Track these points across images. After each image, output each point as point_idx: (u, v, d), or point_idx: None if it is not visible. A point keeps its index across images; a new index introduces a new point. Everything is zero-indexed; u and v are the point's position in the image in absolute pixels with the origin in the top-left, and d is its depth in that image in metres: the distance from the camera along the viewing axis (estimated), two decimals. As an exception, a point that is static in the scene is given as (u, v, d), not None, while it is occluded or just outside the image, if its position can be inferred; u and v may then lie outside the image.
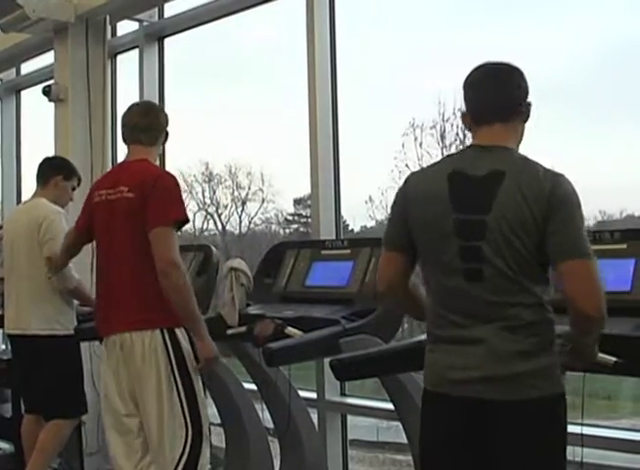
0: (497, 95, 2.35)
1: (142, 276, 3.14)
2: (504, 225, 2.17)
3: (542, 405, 2.21)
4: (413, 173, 2.44)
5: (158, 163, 3.51)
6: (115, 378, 3.21)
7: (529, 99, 2.37)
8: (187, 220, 3.25)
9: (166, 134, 3.46)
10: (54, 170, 4.44)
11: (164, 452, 3.12)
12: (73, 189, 4.49)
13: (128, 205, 3.17)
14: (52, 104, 5.90)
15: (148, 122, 3.37)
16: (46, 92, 5.85)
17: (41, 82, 6.38)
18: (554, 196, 2.17)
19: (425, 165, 2.45)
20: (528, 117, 2.39)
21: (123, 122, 3.43)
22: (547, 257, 2.20)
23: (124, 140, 3.44)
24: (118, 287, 3.20)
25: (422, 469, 2.41)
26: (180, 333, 3.17)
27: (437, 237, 2.28)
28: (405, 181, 2.42)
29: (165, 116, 3.49)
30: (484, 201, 2.20)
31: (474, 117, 2.36)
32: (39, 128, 6.89)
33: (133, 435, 3.21)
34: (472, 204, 2.23)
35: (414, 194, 2.35)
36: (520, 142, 2.39)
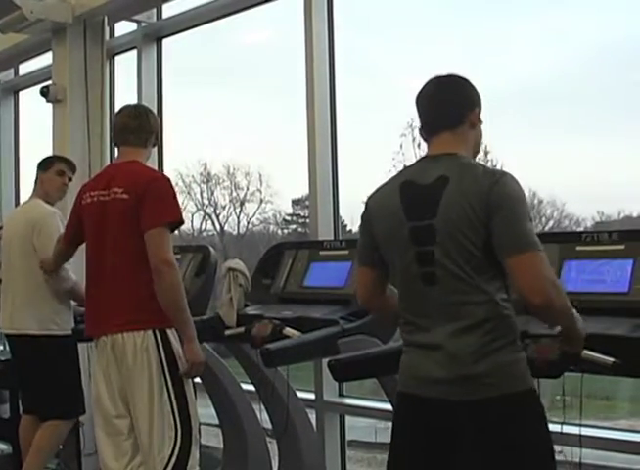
0: (442, 106, 2.43)
1: (134, 277, 3.15)
2: (450, 227, 2.24)
3: (505, 404, 2.21)
4: (373, 192, 2.50)
5: (149, 165, 3.49)
6: (106, 379, 3.21)
7: (478, 109, 2.43)
8: (182, 222, 3.27)
9: (156, 137, 3.47)
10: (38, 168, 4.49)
11: (153, 453, 3.11)
12: (70, 180, 4.47)
13: (123, 206, 3.17)
14: (50, 104, 5.90)
15: (137, 124, 3.38)
16: (44, 93, 5.84)
17: (39, 83, 6.37)
18: (493, 194, 2.21)
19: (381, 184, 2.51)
20: (479, 121, 2.44)
21: (114, 124, 3.46)
22: (495, 257, 2.23)
23: (115, 142, 3.48)
24: (111, 288, 3.20)
25: (389, 463, 2.44)
26: (172, 334, 3.17)
27: (397, 246, 2.35)
28: (367, 200, 2.50)
29: (155, 118, 3.50)
30: (430, 206, 2.27)
31: (424, 129, 2.45)
32: (37, 129, 6.89)
33: (123, 436, 3.20)
34: (421, 211, 2.30)
35: (374, 209, 2.45)
36: (475, 148, 2.46)
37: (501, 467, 2.23)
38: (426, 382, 2.29)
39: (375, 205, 2.45)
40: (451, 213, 2.24)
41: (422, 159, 2.43)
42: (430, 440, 2.30)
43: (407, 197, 2.35)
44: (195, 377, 3.36)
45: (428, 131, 2.43)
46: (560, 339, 2.36)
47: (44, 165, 4.46)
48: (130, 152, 3.36)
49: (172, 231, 3.22)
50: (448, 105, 2.42)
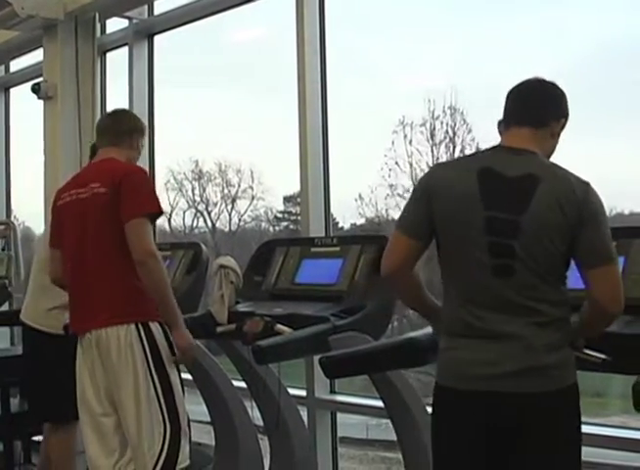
0: (534, 102, 2.44)
1: (115, 271, 3.14)
2: (538, 227, 2.24)
3: (569, 394, 2.30)
4: (439, 165, 2.53)
5: (141, 164, 3.49)
6: (91, 377, 3.19)
7: (564, 121, 2.46)
8: (161, 212, 3.25)
9: (137, 138, 3.45)
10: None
11: (143, 449, 3.09)
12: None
13: (101, 200, 3.16)
14: (41, 101, 5.88)
15: (112, 122, 3.43)
16: (35, 90, 5.83)
17: (30, 80, 6.35)
18: (586, 205, 2.26)
19: (448, 160, 2.48)
20: (558, 134, 2.47)
21: (95, 131, 3.51)
22: (572, 259, 2.30)
23: (97, 148, 3.49)
24: (93, 284, 3.18)
25: (440, 464, 2.42)
26: (155, 327, 3.14)
27: (466, 233, 2.31)
28: (431, 170, 2.48)
29: (133, 118, 3.52)
30: (519, 202, 2.26)
31: (508, 118, 2.44)
32: (29, 126, 6.87)
33: (110, 434, 3.18)
34: (504, 203, 2.28)
35: (441, 187, 2.36)
36: (548, 155, 2.45)
37: (555, 455, 2.29)
38: (489, 377, 2.26)
39: (443, 181, 2.37)
40: (542, 214, 2.24)
41: (498, 147, 2.42)
42: (490, 434, 2.30)
43: (487, 184, 2.31)
44: (188, 363, 3.35)
45: (508, 122, 2.42)
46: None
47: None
48: (106, 151, 3.37)
49: (152, 222, 3.19)
50: (539, 104, 2.43)
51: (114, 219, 3.11)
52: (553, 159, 2.44)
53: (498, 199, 2.29)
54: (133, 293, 3.11)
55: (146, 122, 5.61)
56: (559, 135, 2.47)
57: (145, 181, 3.24)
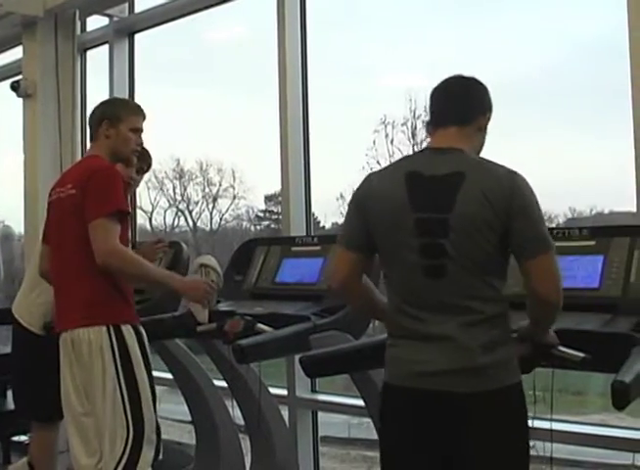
0: (457, 101, 2.45)
1: (86, 272, 3.11)
2: (467, 224, 2.24)
3: (504, 396, 2.27)
4: (371, 174, 2.48)
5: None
6: (71, 376, 3.19)
7: (489, 115, 2.47)
8: (125, 211, 3.15)
9: (106, 127, 3.31)
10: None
11: (106, 450, 3.09)
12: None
13: (71, 201, 3.16)
14: (21, 99, 5.84)
15: (90, 119, 3.39)
16: (14, 87, 5.79)
17: (10, 77, 6.31)
18: (514, 196, 2.24)
19: (381, 168, 2.52)
20: (485, 128, 2.47)
21: None
22: (508, 253, 2.29)
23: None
24: (68, 284, 3.19)
25: (385, 463, 2.44)
26: (127, 330, 3.13)
27: (398, 236, 2.33)
28: (363, 181, 2.47)
29: (103, 106, 3.41)
30: (446, 200, 2.26)
31: (433, 120, 2.46)
32: (8, 124, 6.82)
33: (92, 433, 3.16)
34: (432, 203, 2.29)
35: (373, 195, 2.40)
36: (477, 150, 2.46)
37: (501, 456, 2.28)
38: (427, 374, 2.27)
39: (372, 191, 2.40)
40: (469, 210, 2.24)
41: (425, 150, 2.44)
42: (427, 432, 2.30)
43: (414, 187, 2.32)
44: (206, 298, 3.38)
45: (436, 123, 2.44)
46: (529, 333, 2.39)
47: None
48: (92, 146, 3.36)
49: (120, 221, 3.11)
50: (463, 101, 2.44)
51: (82, 221, 3.09)
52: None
53: (426, 200, 2.30)
54: (105, 294, 3.10)
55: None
56: (485, 129, 2.47)
57: (108, 179, 3.13)
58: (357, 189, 2.47)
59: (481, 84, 2.47)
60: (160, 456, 3.22)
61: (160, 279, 3.22)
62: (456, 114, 2.42)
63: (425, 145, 2.50)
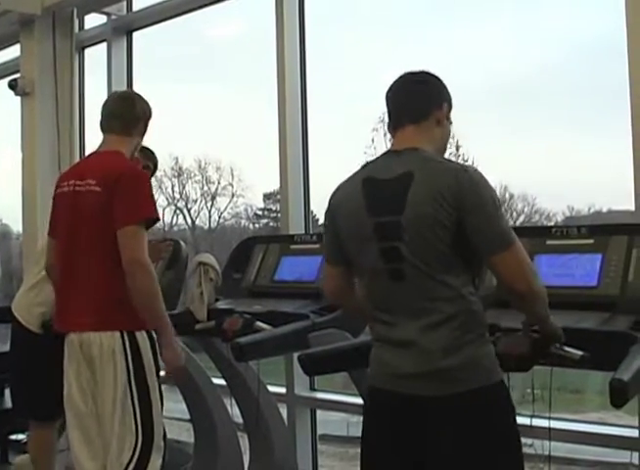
0: (408, 99, 2.42)
1: (106, 276, 3.04)
2: (418, 224, 2.22)
3: (472, 398, 2.22)
4: (339, 185, 2.47)
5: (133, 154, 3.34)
6: (77, 377, 3.12)
7: (447, 106, 2.42)
8: (157, 219, 3.11)
9: (145, 125, 3.30)
10: None
11: (113, 456, 3.04)
12: (147, 168, 4.03)
13: (95, 199, 3.05)
14: (18, 98, 5.84)
15: (122, 110, 3.25)
16: (12, 86, 5.78)
17: (7, 76, 6.30)
18: (466, 192, 2.20)
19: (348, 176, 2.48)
20: (447, 119, 2.43)
21: (101, 111, 3.31)
22: (468, 250, 2.24)
23: (101, 129, 3.31)
24: (82, 285, 3.09)
25: (362, 460, 2.43)
26: (141, 337, 3.05)
27: (360, 242, 2.33)
28: (331, 195, 2.47)
29: (144, 104, 3.32)
30: (396, 202, 2.25)
31: (390, 123, 2.44)
32: (6, 122, 6.82)
33: (95, 434, 3.11)
34: (385, 206, 2.28)
35: (337, 206, 2.42)
36: (442, 146, 2.43)
37: (472, 461, 2.22)
38: (397, 377, 2.28)
39: (337, 202, 2.43)
40: (419, 210, 2.21)
41: (384, 154, 2.42)
42: (401, 435, 2.29)
43: (370, 193, 2.32)
44: (178, 379, 3.27)
45: (393, 125, 2.42)
46: (529, 332, 2.39)
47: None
48: (113, 140, 3.23)
49: (147, 228, 3.06)
50: (415, 99, 2.41)
51: (106, 222, 3.00)
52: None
53: (379, 204, 2.29)
54: (122, 299, 3.00)
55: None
56: (448, 120, 2.43)
57: (141, 183, 3.07)
58: (328, 203, 2.48)
59: (433, 76, 2.44)
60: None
61: (164, 321, 3.06)
62: (410, 111, 2.39)
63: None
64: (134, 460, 3.02)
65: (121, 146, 3.21)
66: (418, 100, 2.40)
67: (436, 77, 2.44)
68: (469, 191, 2.20)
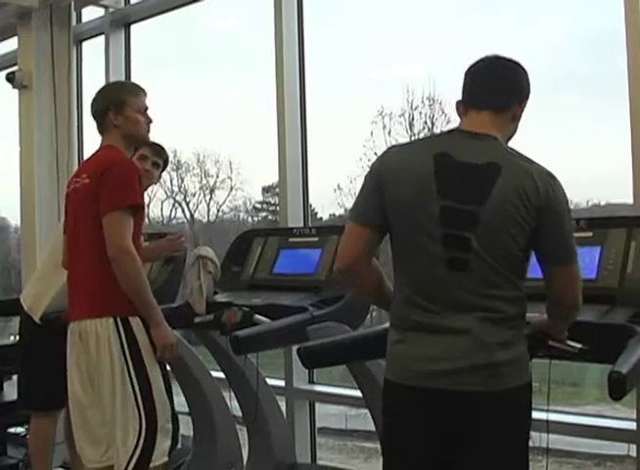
0: (496, 83, 2.31)
1: (96, 262, 3.09)
2: (497, 221, 2.15)
3: (517, 394, 2.22)
4: (392, 147, 2.34)
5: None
6: (77, 367, 3.16)
7: (524, 104, 2.35)
8: (139, 205, 3.13)
9: (114, 115, 3.23)
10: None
11: (118, 444, 3.06)
12: (156, 166, 3.98)
13: (86, 191, 3.13)
14: (16, 91, 5.82)
15: (92, 111, 3.31)
16: (10, 79, 5.77)
17: (5, 68, 6.29)
18: (550, 200, 2.16)
19: (402, 143, 2.36)
20: (520, 117, 2.36)
21: None
22: (531, 254, 2.23)
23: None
24: (79, 274, 3.18)
25: (389, 461, 2.38)
26: (135, 322, 3.09)
27: (419, 222, 2.19)
28: (383, 155, 2.31)
29: (106, 93, 3.32)
30: (479, 192, 2.15)
31: (466, 100, 2.32)
32: (3, 115, 6.81)
33: (97, 425, 3.14)
34: (462, 193, 2.17)
35: (393, 171, 2.24)
36: (507, 140, 2.34)
37: (503, 455, 2.23)
38: (438, 373, 2.18)
39: (395, 167, 2.24)
40: (502, 207, 2.14)
41: (455, 131, 2.30)
42: (434, 433, 2.23)
43: (444, 171, 2.18)
44: (170, 361, 3.27)
45: (470, 104, 2.30)
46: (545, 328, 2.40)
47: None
48: (105, 134, 3.29)
49: (134, 215, 3.08)
50: (503, 86, 2.31)
51: (95, 211, 3.07)
52: (518, 145, 2.35)
53: (456, 187, 2.17)
54: (114, 286, 3.05)
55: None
56: (520, 118, 2.35)
57: (126, 172, 3.10)
58: (376, 161, 2.31)
59: (523, 69, 2.34)
60: (179, 445, 3.21)
61: (150, 303, 3.09)
62: (493, 99, 2.28)
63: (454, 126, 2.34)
64: (140, 445, 3.04)
65: (108, 141, 3.26)
66: (504, 88, 2.31)
67: (525, 71, 2.34)
68: (553, 198, 2.17)
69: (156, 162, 3.93)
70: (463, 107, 2.33)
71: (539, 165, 2.22)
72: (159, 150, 3.98)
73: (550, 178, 2.19)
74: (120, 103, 3.25)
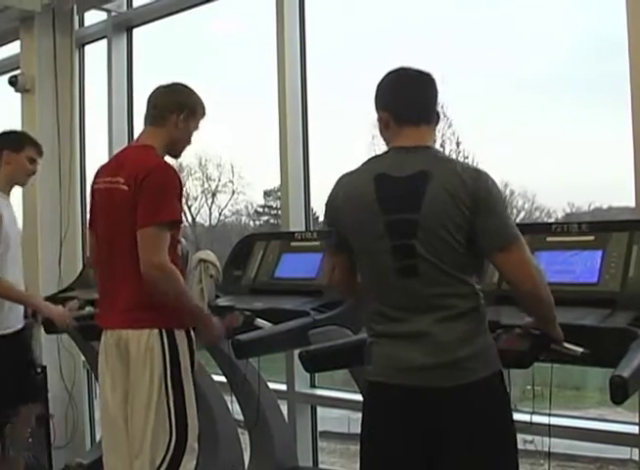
0: (423, 97, 2.44)
1: (140, 273, 2.93)
2: (435, 223, 2.26)
3: (482, 387, 2.28)
4: (341, 177, 2.47)
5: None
6: (111, 375, 3.07)
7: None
8: (179, 220, 3.01)
9: (188, 114, 3.15)
10: None
11: (145, 457, 2.97)
12: (32, 161, 4.13)
13: (124, 198, 2.97)
14: (18, 94, 5.83)
15: (159, 100, 3.16)
16: (12, 82, 5.78)
17: (7, 72, 6.29)
18: (477, 193, 2.25)
19: (353, 169, 2.47)
20: (438, 123, 2.48)
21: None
22: (478, 249, 2.30)
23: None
24: (119, 282, 3.03)
25: (366, 460, 2.43)
26: (180, 335, 3.01)
27: (369, 239, 2.34)
28: (335, 187, 2.47)
29: (186, 93, 3.21)
30: (413, 200, 2.27)
31: (397, 116, 2.41)
32: (6, 119, 6.82)
33: (126, 434, 3.04)
34: (400, 204, 2.30)
35: (343, 198, 2.40)
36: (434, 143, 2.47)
37: (486, 447, 2.28)
38: (408, 370, 2.29)
39: (344, 194, 2.41)
40: (436, 209, 2.25)
41: (393, 149, 2.41)
42: (412, 429, 2.31)
43: (384, 190, 2.32)
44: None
45: (401, 120, 2.40)
46: (530, 329, 2.41)
47: (16, 145, 4.09)
48: (147, 132, 3.14)
49: (171, 230, 2.94)
50: (430, 100, 2.44)
51: (135, 221, 2.93)
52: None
53: (394, 202, 2.30)
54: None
55: (124, 115, 5.63)
56: (438, 122, 2.48)
57: (167, 181, 2.96)
58: (330, 194, 2.47)
59: (432, 76, 2.46)
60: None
61: (196, 313, 3.08)
62: (424, 111, 2.42)
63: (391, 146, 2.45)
64: (166, 461, 2.96)
65: (152, 138, 3.11)
66: (431, 101, 2.44)
67: (434, 77, 2.45)
68: (482, 192, 2.26)
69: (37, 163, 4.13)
70: (393, 120, 2.41)
71: (466, 164, 2.36)
72: (42, 151, 4.20)
73: (474, 172, 2.29)
74: (194, 110, 3.22)
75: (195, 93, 3.24)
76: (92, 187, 3.23)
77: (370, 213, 2.33)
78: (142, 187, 2.92)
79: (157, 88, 3.22)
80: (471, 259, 2.31)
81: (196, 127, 3.22)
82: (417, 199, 2.26)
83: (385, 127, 2.44)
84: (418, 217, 2.26)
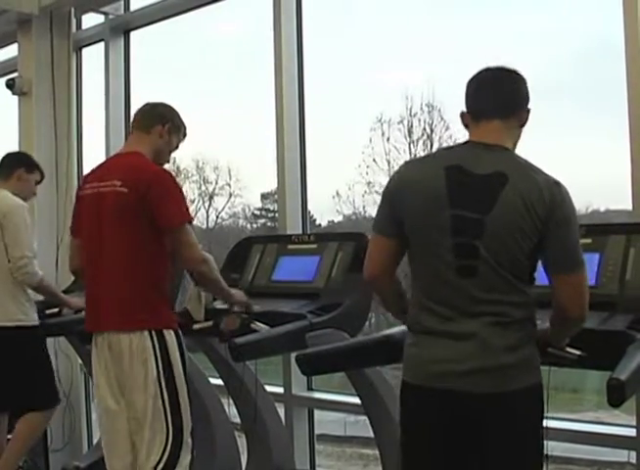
0: (500, 92, 2.38)
1: (132, 275, 3.08)
2: (503, 229, 2.21)
3: (524, 396, 2.27)
4: (408, 162, 2.45)
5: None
6: (106, 376, 3.13)
7: (528, 109, 2.41)
8: (192, 218, 3.22)
9: (169, 128, 3.31)
10: (16, 163, 4.45)
11: (142, 455, 3.06)
12: (36, 183, 4.49)
13: (120, 200, 3.06)
14: (16, 97, 5.83)
15: (146, 110, 3.32)
16: (10, 85, 5.78)
17: (5, 75, 6.29)
18: (555, 207, 2.21)
19: (418, 157, 2.46)
20: (525, 123, 2.42)
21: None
22: (537, 261, 2.28)
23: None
24: (108, 285, 3.11)
25: (405, 458, 2.42)
26: (168, 335, 3.09)
27: (431, 231, 2.28)
28: (400, 169, 2.43)
29: (170, 109, 3.38)
30: (485, 201, 2.22)
31: (473, 112, 2.38)
32: (3, 122, 6.82)
33: (125, 434, 3.12)
34: (471, 202, 2.24)
35: (408, 184, 2.34)
36: (514, 146, 2.41)
37: (516, 456, 2.29)
38: (448, 374, 2.25)
39: (410, 180, 2.34)
40: (507, 215, 2.21)
41: (468, 143, 2.37)
42: (454, 435, 2.29)
43: (455, 182, 2.26)
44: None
45: (477, 115, 2.37)
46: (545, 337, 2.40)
47: (30, 165, 4.48)
48: (134, 138, 3.28)
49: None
50: (509, 94, 2.38)
51: (132, 222, 3.04)
52: (526, 154, 2.41)
53: (465, 197, 2.25)
54: (150, 299, 3.07)
55: (122, 118, 5.64)
56: (526, 122, 2.42)
57: (177, 186, 3.16)
58: (393, 176, 2.42)
59: (522, 76, 2.41)
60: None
61: (227, 290, 3.35)
62: (500, 106, 2.36)
63: (466, 139, 2.41)
64: (164, 459, 3.05)
65: (140, 144, 3.24)
66: (509, 96, 2.38)
67: (524, 78, 2.41)
68: (559, 207, 2.22)
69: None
70: (472, 118, 2.39)
71: (546, 175, 2.27)
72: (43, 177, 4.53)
73: (556, 187, 2.24)
74: (177, 126, 3.40)
75: (179, 114, 3.41)
76: (77, 194, 3.33)
77: (436, 203, 2.26)
78: (151, 193, 3.02)
79: (144, 104, 3.37)
80: (530, 271, 2.28)
81: (177, 145, 3.37)
82: (489, 200, 2.21)
83: (464, 123, 2.42)
84: (486, 219, 2.21)
